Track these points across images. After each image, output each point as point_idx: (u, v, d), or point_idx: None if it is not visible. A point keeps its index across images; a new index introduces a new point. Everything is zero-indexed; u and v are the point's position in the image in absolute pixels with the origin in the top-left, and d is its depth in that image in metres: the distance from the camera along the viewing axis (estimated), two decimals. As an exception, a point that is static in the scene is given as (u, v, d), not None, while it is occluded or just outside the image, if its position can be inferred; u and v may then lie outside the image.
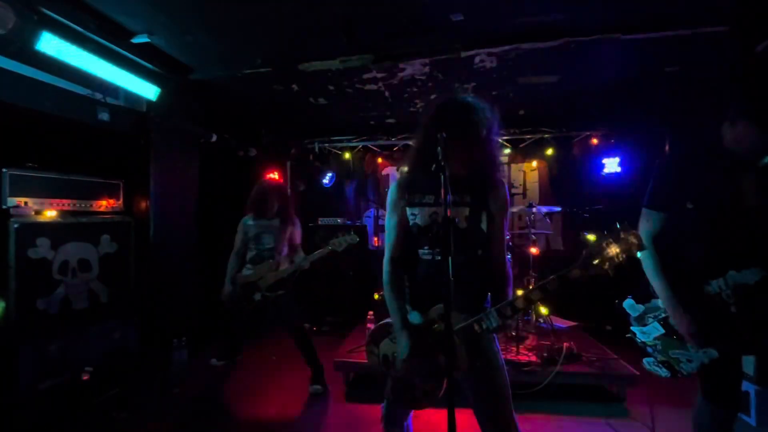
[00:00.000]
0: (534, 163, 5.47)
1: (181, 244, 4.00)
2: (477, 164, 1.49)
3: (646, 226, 1.71)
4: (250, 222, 3.23)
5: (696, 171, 1.61)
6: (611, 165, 4.94)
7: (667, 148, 4.78)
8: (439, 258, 1.47)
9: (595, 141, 5.13)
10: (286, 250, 3.20)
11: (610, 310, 5.19)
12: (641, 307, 1.78)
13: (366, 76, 3.65)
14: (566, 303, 4.91)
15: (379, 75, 3.63)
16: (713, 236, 1.59)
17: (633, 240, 1.19)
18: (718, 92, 3.70)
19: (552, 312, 4.25)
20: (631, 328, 1.81)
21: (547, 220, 5.13)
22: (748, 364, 2.64)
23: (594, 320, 4.67)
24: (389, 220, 1.62)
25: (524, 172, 5.55)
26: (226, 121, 4.68)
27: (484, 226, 1.51)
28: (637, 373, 2.91)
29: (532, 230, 4.20)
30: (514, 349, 3.31)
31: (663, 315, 1.71)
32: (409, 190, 1.57)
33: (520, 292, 1.37)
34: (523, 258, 4.46)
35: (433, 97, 4.19)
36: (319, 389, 3.09)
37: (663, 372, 1.70)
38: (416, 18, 2.74)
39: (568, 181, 5.37)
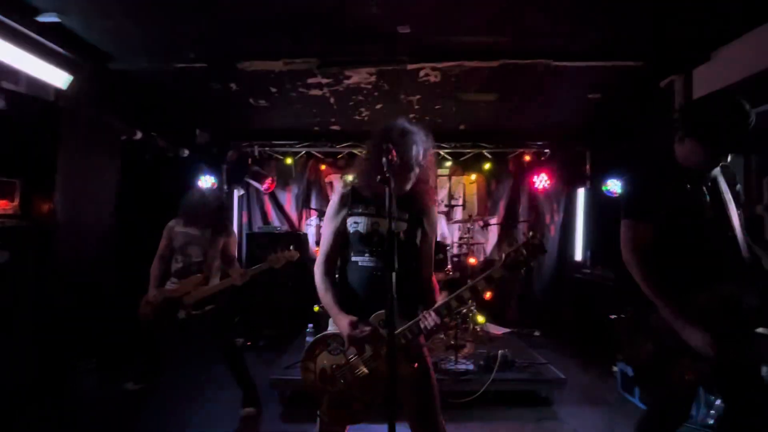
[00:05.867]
0: (473, 177, 5.71)
1: (95, 253, 3.53)
2: (414, 186, 1.60)
3: (630, 237, 1.65)
4: (179, 229, 2.93)
5: (664, 183, 1.63)
6: (541, 181, 5.32)
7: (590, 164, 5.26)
8: (378, 266, 1.55)
9: (527, 158, 5.50)
10: (218, 262, 2.95)
11: (538, 317, 5.53)
12: (632, 325, 1.72)
13: (311, 80, 3.54)
14: (499, 311, 5.17)
15: (324, 81, 3.55)
16: (688, 248, 1.60)
17: (535, 242, 1.41)
18: (631, 118, 4.17)
19: (487, 320, 4.43)
20: (622, 346, 1.74)
21: (485, 231, 5.37)
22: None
23: (524, 327, 4.96)
24: (327, 226, 1.67)
25: (464, 185, 5.76)
26: (153, 117, 4.27)
27: (418, 241, 1.63)
28: (564, 377, 3.11)
29: (471, 241, 4.35)
30: (453, 358, 3.37)
31: (655, 331, 1.61)
32: (352, 201, 1.63)
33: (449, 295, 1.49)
34: (462, 267, 4.61)
35: (378, 106, 4.20)
36: (252, 411, 2.86)
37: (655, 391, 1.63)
38: (365, 26, 2.72)
39: (504, 195, 5.68)
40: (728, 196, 1.62)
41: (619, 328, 1.77)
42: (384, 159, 1.37)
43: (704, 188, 1.62)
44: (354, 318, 1.49)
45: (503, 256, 1.43)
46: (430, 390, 1.57)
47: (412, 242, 1.61)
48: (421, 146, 1.56)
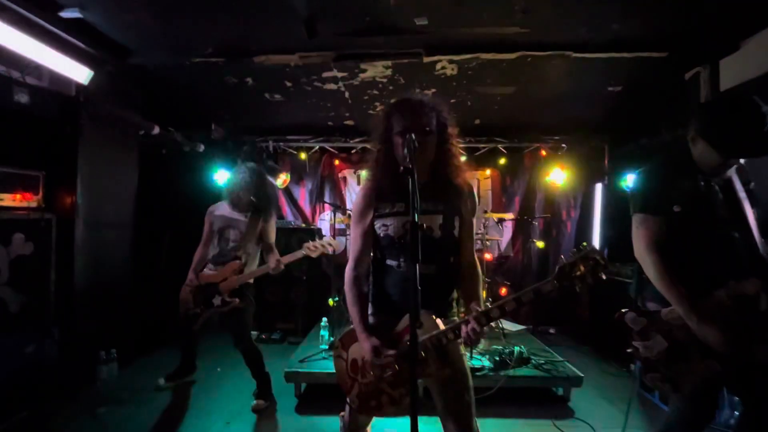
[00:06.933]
0: (487, 172, 5.64)
1: (115, 245, 3.61)
2: (440, 167, 1.49)
3: (643, 232, 1.62)
4: (218, 212, 2.95)
5: (677, 178, 1.62)
6: (558, 176, 5.22)
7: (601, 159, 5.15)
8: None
9: (544, 153, 5.40)
10: (255, 247, 2.92)
11: (554, 314, 5.41)
12: (643, 320, 1.66)
13: (326, 74, 3.53)
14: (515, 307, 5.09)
15: (340, 74, 3.54)
16: (700, 245, 1.57)
17: (599, 261, 1.22)
18: (654, 111, 4.05)
19: (502, 316, 4.37)
20: (633, 342, 1.67)
21: (500, 226, 5.31)
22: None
23: (540, 323, 4.90)
24: (355, 228, 1.58)
25: (478, 180, 5.70)
26: (170, 112, 4.31)
27: (456, 231, 1.51)
28: (581, 374, 3.06)
29: (486, 236, 4.30)
30: (467, 353, 3.34)
31: (667, 327, 1.58)
32: (378, 199, 1.53)
33: (490, 304, 1.37)
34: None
35: (393, 101, 4.16)
36: (261, 404, 2.89)
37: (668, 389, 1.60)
38: (381, 19, 2.69)
39: (519, 190, 5.61)
40: (743, 195, 1.60)
41: (627, 322, 1.70)
42: (405, 150, 1.29)
43: (717, 187, 1.60)
44: (377, 342, 1.43)
45: (556, 268, 1.26)
46: (465, 394, 1.48)
47: (449, 235, 1.48)
48: (432, 112, 1.44)
